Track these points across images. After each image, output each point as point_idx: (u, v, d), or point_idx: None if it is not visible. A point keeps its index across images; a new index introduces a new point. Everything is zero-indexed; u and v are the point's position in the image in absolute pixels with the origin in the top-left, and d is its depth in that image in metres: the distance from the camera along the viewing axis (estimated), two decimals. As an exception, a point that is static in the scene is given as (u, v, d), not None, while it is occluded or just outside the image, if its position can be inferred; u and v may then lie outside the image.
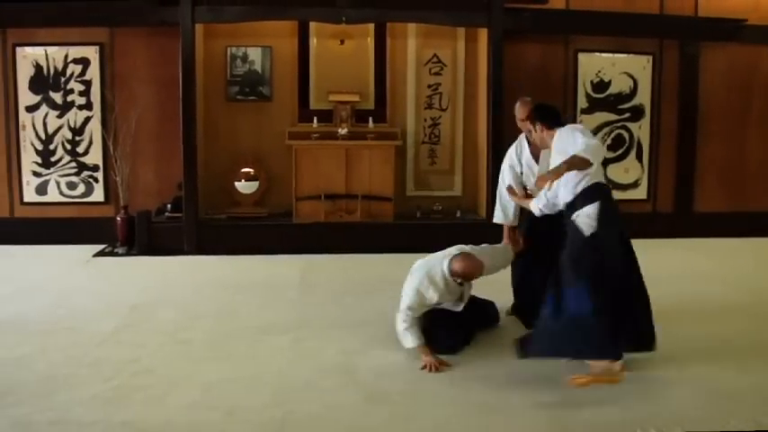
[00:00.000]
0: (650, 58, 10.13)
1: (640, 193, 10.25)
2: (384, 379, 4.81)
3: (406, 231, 9.32)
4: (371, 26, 9.87)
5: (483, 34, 9.59)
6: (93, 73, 9.61)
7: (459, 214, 9.74)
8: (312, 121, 9.67)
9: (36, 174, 9.59)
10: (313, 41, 9.88)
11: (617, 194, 9.86)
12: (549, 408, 4.34)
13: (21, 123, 9.54)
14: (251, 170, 9.65)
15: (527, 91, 9.61)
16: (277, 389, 4.65)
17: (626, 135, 10.14)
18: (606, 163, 10.04)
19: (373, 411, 4.30)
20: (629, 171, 10.19)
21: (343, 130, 9.53)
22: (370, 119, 9.74)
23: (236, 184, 9.55)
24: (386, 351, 5.37)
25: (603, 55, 10.07)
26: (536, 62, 9.97)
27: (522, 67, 9.77)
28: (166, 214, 9.33)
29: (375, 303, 6.67)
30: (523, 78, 9.68)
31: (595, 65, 10.05)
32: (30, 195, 9.60)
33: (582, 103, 10.05)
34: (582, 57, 10.03)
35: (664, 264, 8.17)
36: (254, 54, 9.87)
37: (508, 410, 4.32)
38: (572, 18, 9.80)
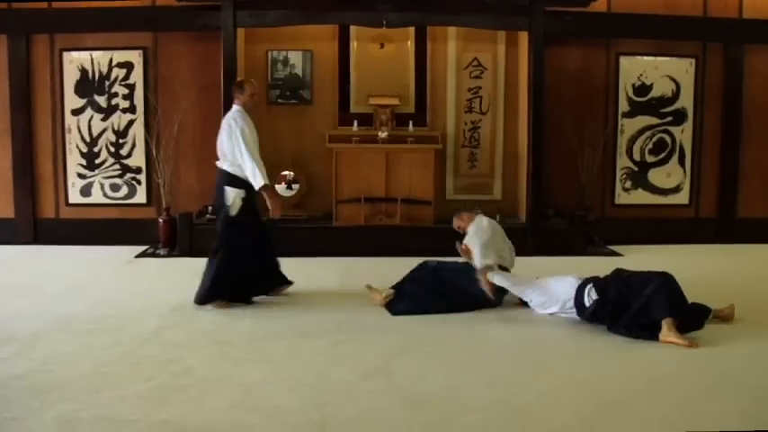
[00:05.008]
0: (693, 60, 10.03)
1: (682, 198, 10.14)
2: (422, 383, 4.80)
3: (446, 235, 9.25)
4: (412, 30, 9.88)
5: (524, 38, 9.56)
6: (137, 77, 9.75)
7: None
8: (352, 125, 9.72)
9: (81, 176, 9.76)
10: (353, 45, 9.92)
11: (658, 199, 9.89)
12: (588, 415, 4.31)
13: (66, 126, 9.72)
14: (291, 173, 9.72)
15: (568, 94, 9.69)
16: (315, 391, 4.66)
17: (668, 139, 10.04)
18: (647, 167, 9.99)
19: (411, 415, 4.29)
20: (671, 176, 10.09)
21: (383, 134, 9.55)
22: (410, 122, 9.75)
23: (277, 187, 9.61)
24: (424, 355, 5.37)
25: (645, 58, 9.99)
26: (577, 66, 9.92)
27: (563, 71, 9.74)
28: (207, 216, 9.40)
29: (413, 307, 6.69)
30: (564, 82, 9.66)
31: (637, 68, 9.97)
32: (75, 197, 9.77)
33: (623, 106, 9.98)
34: (623, 60, 9.95)
35: (706, 269, 8.10)
36: (295, 58, 9.94)
37: (545, 414, 4.30)
38: (614, 21, 9.73)
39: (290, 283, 7.03)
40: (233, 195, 6.53)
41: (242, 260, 6.59)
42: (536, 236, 9.19)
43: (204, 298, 6.54)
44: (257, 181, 6.40)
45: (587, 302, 5.92)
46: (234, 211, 6.55)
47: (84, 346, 5.54)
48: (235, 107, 6.66)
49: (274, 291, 6.98)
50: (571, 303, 6.08)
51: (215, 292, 6.54)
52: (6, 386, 4.70)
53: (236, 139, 6.41)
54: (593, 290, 5.93)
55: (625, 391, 4.63)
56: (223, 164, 6.59)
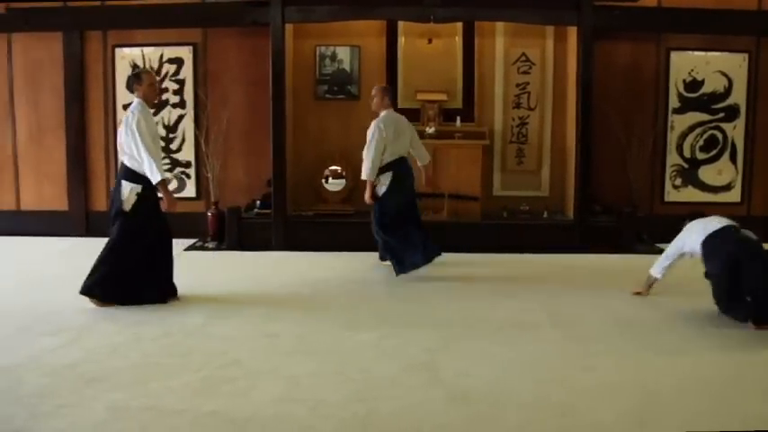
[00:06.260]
0: (746, 56, 9.84)
1: (734, 195, 9.96)
2: (467, 378, 4.80)
3: (493, 231, 9.28)
4: (459, 25, 9.86)
5: (572, 33, 9.49)
6: (187, 72, 9.88)
7: (546, 215, 9.66)
8: (400, 120, 9.72)
9: (132, 170, 9.89)
10: (401, 40, 9.93)
11: (709, 197, 9.73)
12: (631, 415, 4.28)
13: (118, 121, 9.83)
14: (338, 168, 9.76)
15: (617, 89, 9.59)
16: (361, 385, 4.69)
17: (719, 136, 9.87)
18: (698, 164, 9.84)
19: (455, 410, 4.30)
20: (723, 173, 9.92)
21: (430, 129, 9.54)
22: (458, 118, 9.74)
23: (324, 181, 9.68)
24: (469, 350, 5.37)
25: (697, 53, 9.83)
26: (626, 61, 9.81)
27: (612, 66, 9.65)
28: (255, 210, 9.51)
29: (459, 302, 6.70)
30: (613, 78, 9.57)
31: (688, 63, 9.82)
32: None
33: (674, 102, 9.84)
34: (674, 55, 9.81)
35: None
36: (343, 53, 9.97)
37: (588, 413, 4.27)
38: (664, 15, 9.59)
39: (176, 296, 6.67)
40: (128, 190, 6.35)
41: (140, 258, 6.42)
42: (583, 232, 9.12)
43: (86, 288, 6.36)
44: (153, 176, 6.26)
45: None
46: (128, 206, 6.36)
47: (134, 336, 5.64)
48: (135, 100, 6.48)
49: (162, 300, 6.56)
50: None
51: (94, 287, 6.36)
52: (59, 375, 4.81)
53: (132, 133, 6.25)
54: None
55: (671, 392, 4.58)
56: (122, 157, 6.44)
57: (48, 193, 10.14)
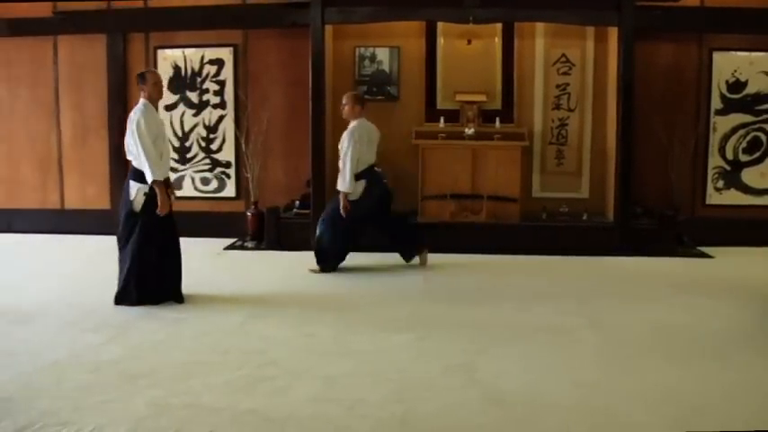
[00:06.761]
0: (791, 56, 9.69)
1: (778, 198, 9.82)
2: (504, 380, 4.79)
3: (532, 233, 9.25)
4: (499, 26, 9.83)
5: (613, 33, 9.41)
6: (228, 73, 9.96)
7: (585, 217, 9.59)
8: (439, 121, 9.73)
9: (173, 169, 9.98)
10: (440, 41, 9.92)
11: (752, 200, 9.59)
12: (672, 420, 4.24)
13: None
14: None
15: (658, 90, 9.49)
16: (398, 386, 4.70)
17: (763, 137, 9.71)
18: (741, 167, 9.71)
19: (492, 412, 4.29)
20: (766, 175, 9.75)
21: (469, 130, 9.53)
22: (497, 119, 9.71)
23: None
24: (506, 353, 5.36)
25: (740, 53, 9.68)
26: (668, 62, 9.69)
27: (653, 67, 9.54)
28: (294, 210, 9.56)
29: (496, 305, 6.69)
30: (654, 78, 9.47)
31: (731, 64, 9.67)
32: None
33: (716, 104, 9.70)
34: (717, 56, 9.68)
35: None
36: (382, 54, 9.99)
37: (628, 417, 4.24)
38: (706, 15, 9.44)
39: (182, 300, 6.67)
40: (135, 190, 6.47)
41: (151, 258, 6.51)
42: (623, 235, 9.05)
43: (119, 298, 6.52)
44: (148, 176, 6.34)
45: None
46: (137, 207, 6.47)
47: (174, 334, 5.71)
48: (140, 101, 6.57)
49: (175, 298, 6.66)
50: None
51: (127, 294, 6.49)
52: (101, 371, 4.89)
53: (132, 133, 6.37)
54: None
55: (714, 397, 4.52)
56: (129, 157, 6.53)
57: (91, 192, 10.30)
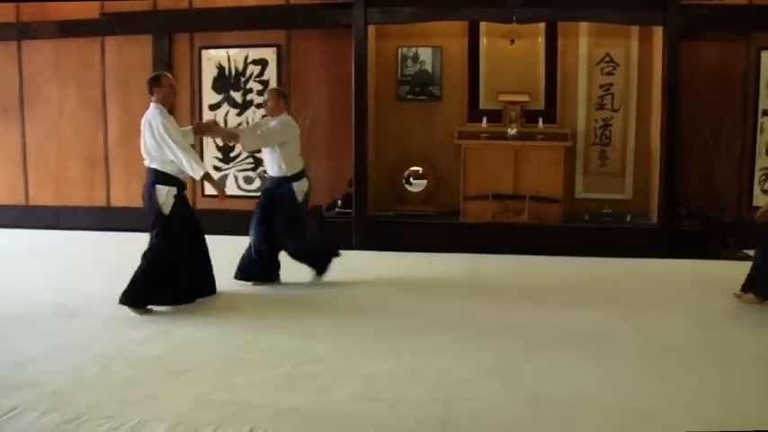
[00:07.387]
0: (841, 55, 9.50)
1: (824, 201, 9.63)
2: (546, 382, 4.78)
3: (574, 234, 9.19)
4: (542, 25, 9.77)
5: (658, 33, 9.31)
6: (271, 73, 10.04)
7: (629, 218, 9.50)
8: (481, 121, 9.70)
9: (217, 168, 10.13)
10: (483, 41, 9.90)
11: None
12: (713, 425, 4.19)
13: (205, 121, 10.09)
14: (420, 169, 9.81)
15: (704, 91, 9.36)
16: (438, 385, 4.71)
17: (812, 139, 9.56)
18: (786, 168, 9.57)
19: (534, 414, 4.28)
20: (814, 176, 9.60)
21: (512, 131, 9.49)
22: (540, 119, 9.65)
23: (405, 182, 9.73)
24: (548, 354, 5.34)
25: (789, 53, 9.53)
26: (714, 61, 9.55)
27: (699, 67, 9.41)
28: (337, 210, 9.61)
29: (539, 306, 6.67)
30: (700, 78, 9.34)
31: (780, 63, 9.53)
32: (210, 189, 10.06)
33: (764, 104, 9.53)
34: (765, 55, 9.51)
35: None
36: (425, 54, 10.00)
37: (668, 421, 4.20)
38: (754, 13, 9.29)
39: (214, 292, 6.76)
40: (164, 193, 6.39)
41: (183, 258, 6.49)
42: (667, 237, 8.95)
43: (131, 299, 6.30)
44: (196, 172, 6.31)
45: None
46: (167, 209, 6.40)
47: (216, 331, 5.78)
48: (152, 105, 6.47)
49: (191, 300, 6.58)
50: None
51: (140, 295, 6.33)
52: (146, 366, 4.97)
53: (161, 136, 6.26)
54: None
55: (760, 402, 4.47)
56: (151, 163, 6.43)
57: (136, 190, 10.26)
